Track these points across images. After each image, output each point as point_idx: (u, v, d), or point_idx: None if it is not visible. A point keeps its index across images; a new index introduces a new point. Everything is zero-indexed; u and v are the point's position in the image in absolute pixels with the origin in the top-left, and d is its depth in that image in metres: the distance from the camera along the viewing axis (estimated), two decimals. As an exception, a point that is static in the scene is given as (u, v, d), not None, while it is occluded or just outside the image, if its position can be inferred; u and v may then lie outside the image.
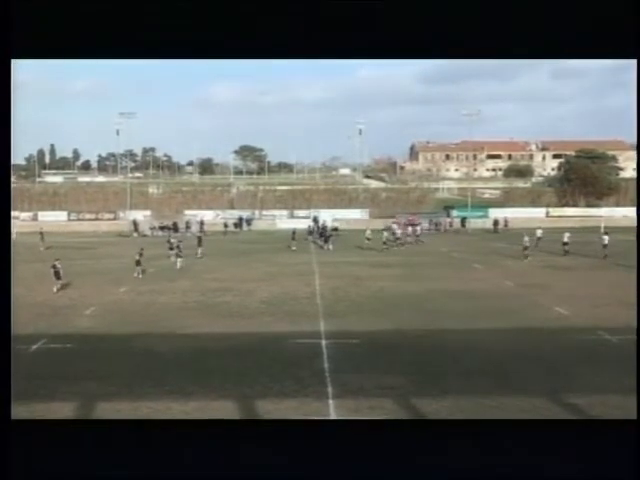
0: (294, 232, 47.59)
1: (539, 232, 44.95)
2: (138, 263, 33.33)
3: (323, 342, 20.13)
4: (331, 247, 45.83)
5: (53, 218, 64.23)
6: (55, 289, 28.95)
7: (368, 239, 45.78)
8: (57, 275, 29.55)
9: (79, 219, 67.13)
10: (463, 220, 62.34)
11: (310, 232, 55.34)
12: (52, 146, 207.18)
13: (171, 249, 38.31)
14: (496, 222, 60.19)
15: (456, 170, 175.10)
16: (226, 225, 60.65)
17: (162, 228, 59.12)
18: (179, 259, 37.01)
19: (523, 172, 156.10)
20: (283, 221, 62.63)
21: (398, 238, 47.31)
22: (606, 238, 40.09)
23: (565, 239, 41.13)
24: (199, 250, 41.42)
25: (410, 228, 51.38)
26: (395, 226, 50.06)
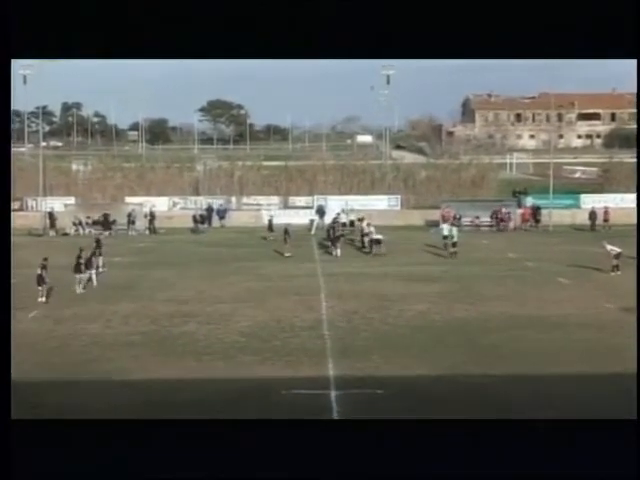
0: (287, 230, 47.44)
1: None
2: (41, 280, 32.48)
3: (332, 394, 20.25)
4: (339, 252, 45.92)
5: None
6: None
7: (377, 241, 46.00)
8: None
9: (-32, 210, 67.34)
10: (536, 211, 62.06)
11: (310, 229, 55.35)
12: None
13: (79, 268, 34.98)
14: (593, 215, 60.01)
15: (532, 137, 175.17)
16: (196, 219, 60.57)
17: (94, 223, 59.22)
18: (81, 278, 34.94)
19: (632, 140, 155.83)
20: (272, 213, 62.57)
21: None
22: None
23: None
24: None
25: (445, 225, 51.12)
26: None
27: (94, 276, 35.90)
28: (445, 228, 49.24)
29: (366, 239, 47.07)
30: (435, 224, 54.86)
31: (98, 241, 42.19)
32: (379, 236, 46.29)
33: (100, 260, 39.62)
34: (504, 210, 60.94)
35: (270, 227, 53.20)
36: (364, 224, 49.25)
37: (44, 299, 32.34)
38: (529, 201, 64.69)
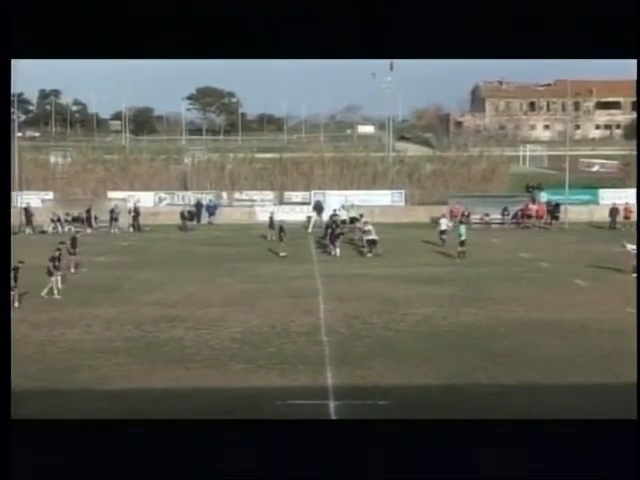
0: (282, 228, 47.51)
1: None
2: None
3: (331, 404, 20.39)
4: (338, 252, 46.00)
5: None
6: None
7: (372, 242, 46.12)
8: None
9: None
10: (554, 208, 62.06)
11: (307, 227, 55.43)
12: None
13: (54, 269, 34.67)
14: (614, 211, 60.05)
15: (546, 127, 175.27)
16: (183, 216, 60.50)
17: (74, 220, 59.21)
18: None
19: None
20: (267, 209, 62.67)
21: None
22: None
23: None
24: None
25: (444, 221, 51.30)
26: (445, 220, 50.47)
27: (60, 278, 35.29)
28: (443, 222, 49.42)
29: (365, 238, 47.16)
30: (442, 222, 54.96)
31: (73, 239, 41.80)
32: (374, 237, 46.35)
33: (73, 260, 39.58)
34: (530, 206, 61.15)
35: (271, 224, 52.92)
36: (362, 222, 49.30)
37: (16, 304, 31.74)
38: (543, 196, 64.71)
